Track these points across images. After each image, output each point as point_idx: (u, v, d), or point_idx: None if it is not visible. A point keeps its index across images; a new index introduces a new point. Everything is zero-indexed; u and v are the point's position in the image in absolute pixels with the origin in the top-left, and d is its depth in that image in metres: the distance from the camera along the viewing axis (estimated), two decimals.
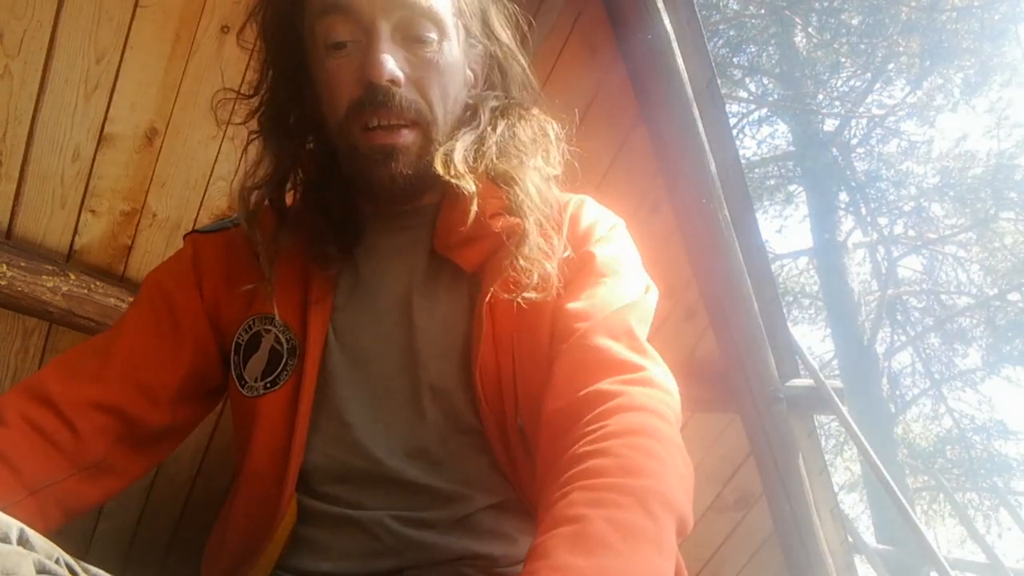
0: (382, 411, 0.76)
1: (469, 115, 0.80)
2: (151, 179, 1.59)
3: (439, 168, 0.73)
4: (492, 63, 0.84)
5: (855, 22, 9.86)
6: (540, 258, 0.73)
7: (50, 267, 1.51)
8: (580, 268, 0.78)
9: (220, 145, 1.62)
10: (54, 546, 0.53)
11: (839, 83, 10.36)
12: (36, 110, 1.40)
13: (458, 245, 0.76)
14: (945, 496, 9.44)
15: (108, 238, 1.61)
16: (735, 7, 10.17)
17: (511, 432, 0.75)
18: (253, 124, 0.84)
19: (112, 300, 1.61)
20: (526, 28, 0.90)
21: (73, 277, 1.54)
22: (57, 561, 0.52)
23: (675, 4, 1.84)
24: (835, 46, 9.79)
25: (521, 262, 0.72)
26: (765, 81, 10.70)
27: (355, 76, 0.71)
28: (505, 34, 0.84)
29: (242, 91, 0.87)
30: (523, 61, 0.87)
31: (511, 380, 0.75)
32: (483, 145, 0.76)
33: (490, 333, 0.74)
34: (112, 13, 1.38)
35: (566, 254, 0.78)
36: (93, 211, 1.56)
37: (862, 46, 9.84)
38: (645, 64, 1.87)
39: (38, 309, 1.51)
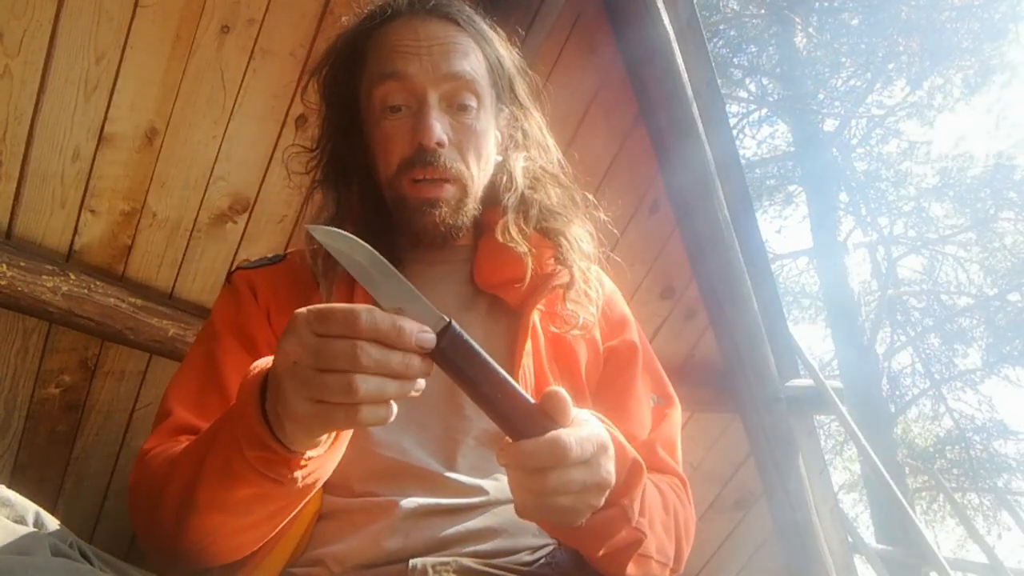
0: (416, 412, 0.80)
1: (506, 179, 0.91)
2: (151, 179, 1.59)
3: (499, 236, 0.86)
4: (516, 125, 0.96)
5: (855, 22, 9.88)
6: (584, 302, 0.87)
7: (50, 267, 1.51)
8: (627, 359, 0.93)
9: (220, 145, 1.62)
10: (67, 530, 0.55)
11: (839, 83, 10.37)
12: (36, 110, 1.40)
13: (503, 284, 0.87)
14: (945, 496, 9.44)
15: (108, 238, 1.61)
16: (735, 7, 10.18)
17: None
18: (308, 168, 0.97)
19: (112, 300, 1.61)
20: (543, 89, 1.03)
21: (73, 277, 1.54)
22: (70, 545, 0.54)
23: (675, 4, 1.84)
24: (835, 46, 9.80)
25: (569, 305, 0.85)
26: (765, 81, 10.72)
27: (407, 138, 0.84)
28: (527, 99, 0.98)
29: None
30: (541, 123, 0.99)
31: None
32: (530, 210, 0.90)
33: (534, 349, 0.85)
34: (112, 13, 1.38)
35: (600, 302, 0.92)
36: (93, 211, 1.56)
37: (862, 46, 9.85)
38: (645, 64, 1.88)
39: (38, 309, 1.51)
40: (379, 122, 0.86)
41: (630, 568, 0.72)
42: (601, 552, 0.68)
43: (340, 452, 0.65)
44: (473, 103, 0.86)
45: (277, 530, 0.71)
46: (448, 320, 0.55)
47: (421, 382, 0.55)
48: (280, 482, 0.59)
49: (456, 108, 0.85)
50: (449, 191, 0.84)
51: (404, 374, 0.53)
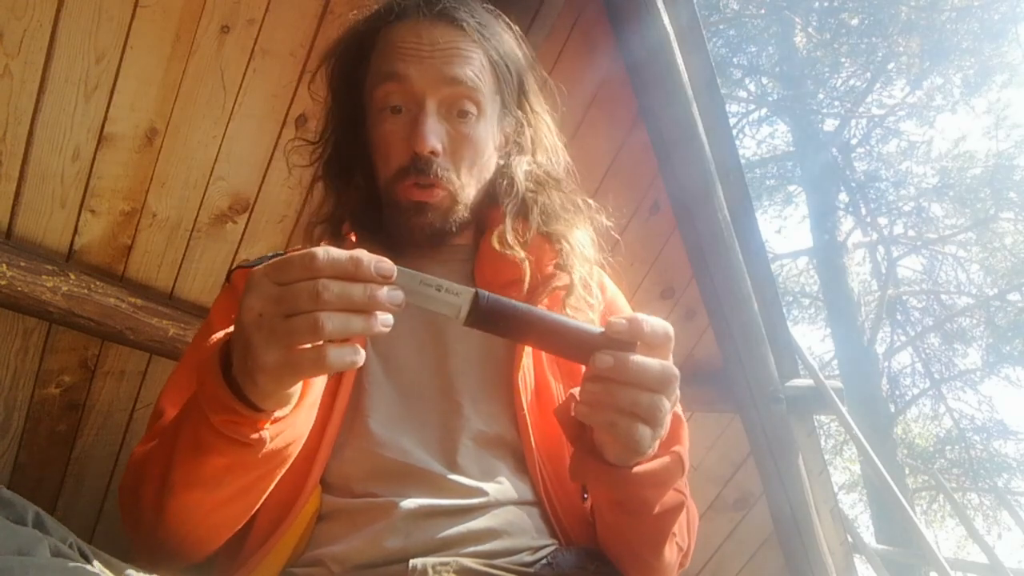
0: (415, 411, 0.82)
1: (507, 184, 0.90)
2: (151, 179, 1.59)
3: (495, 244, 0.86)
4: (523, 128, 0.95)
5: (855, 22, 9.88)
6: (584, 308, 0.85)
7: (50, 267, 1.51)
8: None
9: (220, 145, 1.62)
10: (67, 530, 0.55)
11: (839, 83, 10.37)
12: (36, 110, 1.40)
13: (504, 285, 0.87)
14: (945, 496, 9.44)
15: (108, 238, 1.61)
16: (735, 7, 10.19)
17: (540, 441, 0.81)
18: (310, 163, 0.99)
19: (112, 300, 1.61)
20: (553, 88, 1.02)
21: (73, 277, 1.54)
22: (70, 545, 0.54)
23: (675, 4, 1.84)
24: (835, 46, 9.80)
25: (568, 311, 0.84)
26: (765, 81, 10.72)
27: (404, 143, 0.84)
28: (537, 102, 0.96)
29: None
30: (551, 125, 0.98)
31: (547, 392, 0.84)
32: (530, 214, 0.89)
33: (534, 351, 0.85)
34: (112, 13, 1.38)
35: (601, 308, 0.90)
36: (93, 211, 1.56)
37: (862, 46, 9.85)
38: (645, 64, 1.88)
39: (38, 309, 1.51)
40: (379, 122, 0.87)
41: (666, 548, 0.73)
42: (656, 510, 0.68)
43: (309, 415, 0.65)
44: (473, 111, 0.86)
45: (255, 508, 0.71)
46: (474, 290, 0.58)
47: (389, 317, 0.55)
48: (249, 445, 0.59)
49: (455, 115, 0.85)
50: (439, 196, 0.85)
51: (368, 306, 0.53)
